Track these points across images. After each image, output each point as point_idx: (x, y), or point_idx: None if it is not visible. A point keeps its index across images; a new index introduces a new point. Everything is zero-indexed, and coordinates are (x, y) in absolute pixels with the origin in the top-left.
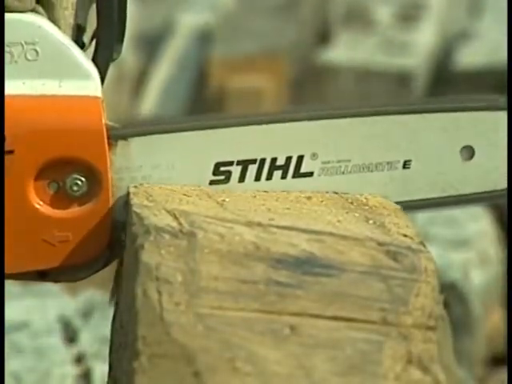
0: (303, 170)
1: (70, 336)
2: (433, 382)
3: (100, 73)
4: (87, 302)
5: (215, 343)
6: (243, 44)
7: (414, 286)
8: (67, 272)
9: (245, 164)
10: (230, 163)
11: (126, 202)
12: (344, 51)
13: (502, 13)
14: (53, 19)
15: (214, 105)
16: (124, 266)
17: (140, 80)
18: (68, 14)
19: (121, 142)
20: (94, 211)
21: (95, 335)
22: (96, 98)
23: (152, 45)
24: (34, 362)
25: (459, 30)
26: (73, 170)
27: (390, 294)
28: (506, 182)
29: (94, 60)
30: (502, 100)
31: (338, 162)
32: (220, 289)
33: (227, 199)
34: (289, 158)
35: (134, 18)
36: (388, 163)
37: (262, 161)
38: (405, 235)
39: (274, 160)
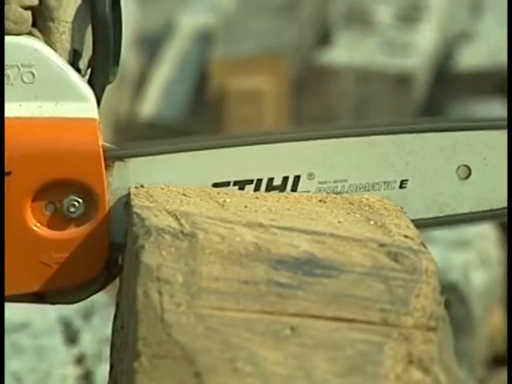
0: (300, 189)
1: (71, 336)
2: (433, 382)
3: (96, 95)
4: (88, 303)
5: (216, 344)
6: (244, 45)
7: (414, 286)
8: (65, 294)
9: (242, 184)
10: (227, 183)
11: (126, 202)
12: (344, 52)
13: (502, 14)
14: (49, 43)
15: (214, 106)
16: (125, 266)
17: (141, 81)
18: (65, 39)
19: (117, 163)
20: (91, 232)
21: (96, 336)
22: (92, 119)
23: (152, 46)
24: (34, 362)
25: (460, 31)
26: (70, 192)
27: (391, 294)
28: (503, 200)
29: (89, 82)
30: (498, 120)
31: (335, 181)
32: (221, 289)
33: (228, 200)
34: (285, 178)
35: (134, 19)
36: (385, 183)
37: (259, 181)
38: (406, 236)
39: (270, 180)
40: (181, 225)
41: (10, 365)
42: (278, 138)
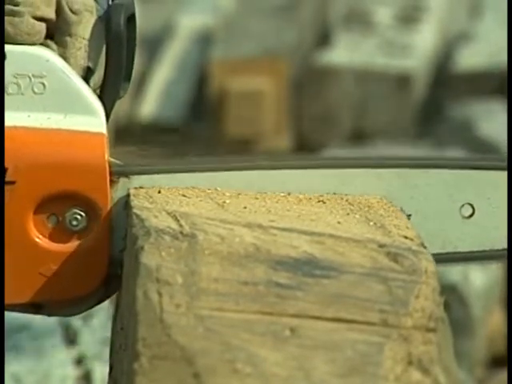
0: None
1: (71, 337)
2: (433, 383)
3: (105, 110)
4: None
5: (215, 345)
6: (243, 46)
7: (414, 287)
8: (62, 306)
9: None
10: None
11: (126, 203)
12: (344, 53)
13: (502, 14)
14: (64, 57)
15: (214, 106)
16: (124, 267)
17: (140, 82)
18: (80, 55)
19: (122, 180)
20: (92, 246)
21: (95, 337)
22: (100, 134)
23: (152, 47)
24: (34, 363)
25: (459, 32)
26: (73, 205)
27: (391, 295)
28: (504, 241)
29: (100, 97)
30: (505, 160)
31: None
32: (220, 290)
33: (228, 201)
34: None
35: None
36: None
37: None
38: (405, 237)
39: None
40: (180, 226)
41: (10, 366)
42: (284, 164)
